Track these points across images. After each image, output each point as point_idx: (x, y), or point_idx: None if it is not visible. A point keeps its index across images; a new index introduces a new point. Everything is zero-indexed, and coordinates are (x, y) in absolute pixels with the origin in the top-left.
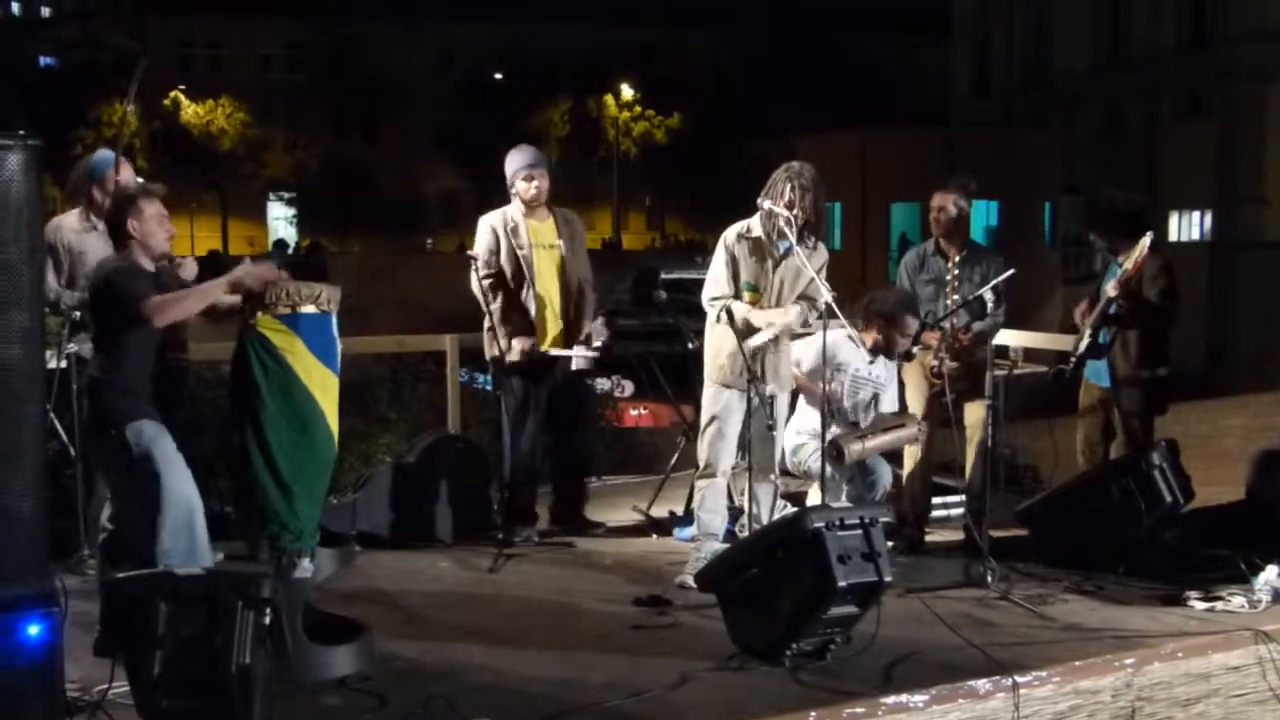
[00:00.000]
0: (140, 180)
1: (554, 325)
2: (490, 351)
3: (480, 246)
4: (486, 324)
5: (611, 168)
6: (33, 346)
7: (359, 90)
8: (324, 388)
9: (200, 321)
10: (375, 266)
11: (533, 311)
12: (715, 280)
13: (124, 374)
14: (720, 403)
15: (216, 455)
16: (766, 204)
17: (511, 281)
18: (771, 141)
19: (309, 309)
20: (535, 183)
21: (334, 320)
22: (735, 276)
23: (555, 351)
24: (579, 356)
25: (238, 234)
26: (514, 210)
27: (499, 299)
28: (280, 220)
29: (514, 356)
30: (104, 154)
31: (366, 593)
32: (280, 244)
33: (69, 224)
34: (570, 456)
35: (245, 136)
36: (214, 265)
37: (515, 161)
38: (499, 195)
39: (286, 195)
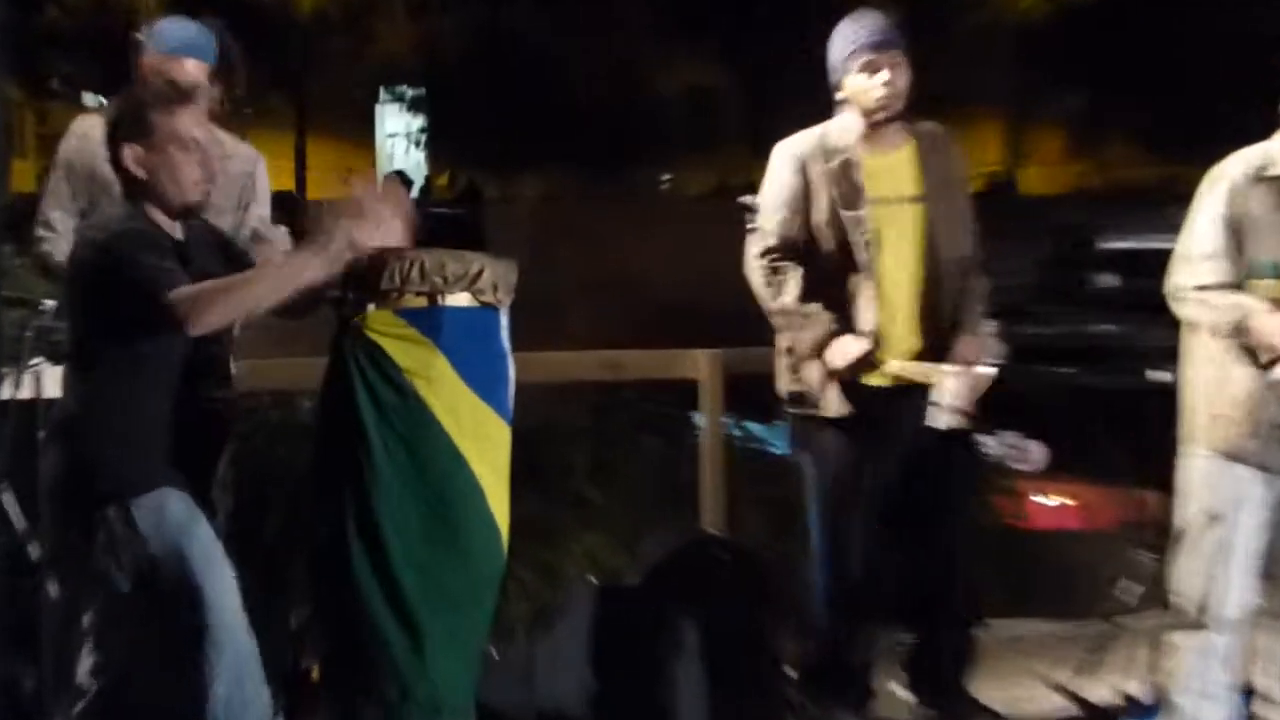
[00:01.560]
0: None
1: (906, 336)
2: (787, 385)
3: (771, 198)
4: (781, 340)
5: (991, 45)
6: None
7: None
8: (484, 442)
9: (261, 322)
10: (565, 222)
11: (869, 315)
12: (1200, 254)
13: (127, 414)
14: (1220, 488)
15: (286, 559)
16: None
17: (828, 261)
18: None
19: (459, 299)
20: (888, 76)
21: (504, 321)
22: (1239, 248)
23: (909, 371)
24: (952, 394)
25: (324, 162)
26: (839, 132)
27: (796, 291)
28: (398, 139)
29: (837, 367)
30: (177, 27)
31: None
32: (398, 182)
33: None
34: (937, 582)
35: None
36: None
37: (848, 38)
38: (802, 106)
39: (409, 95)
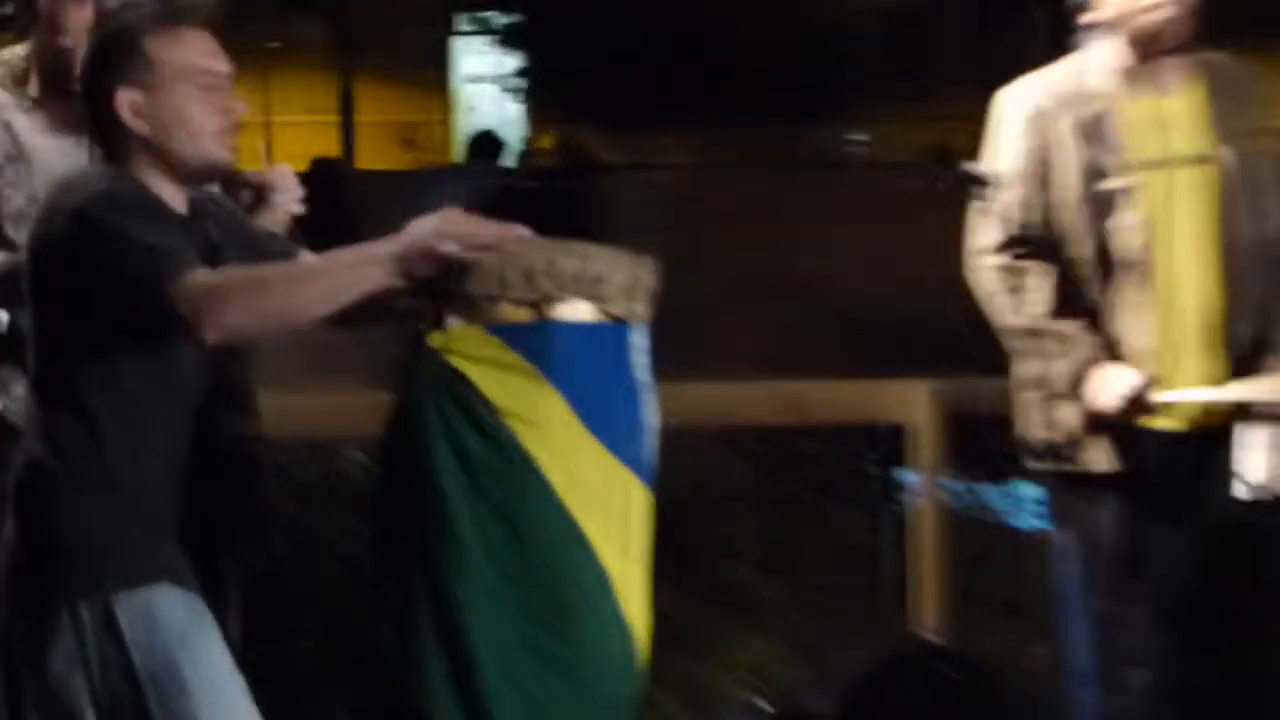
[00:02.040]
0: None
1: (1197, 359)
2: (1036, 432)
3: (1002, 168)
4: (1025, 368)
5: None
6: None
7: None
8: (611, 512)
9: (297, 337)
10: (717, 200)
11: (1143, 331)
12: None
13: (111, 463)
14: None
15: (330, 679)
16: None
17: (1083, 256)
18: None
19: (577, 310)
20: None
21: (639, 341)
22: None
23: (1210, 396)
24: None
25: (380, 118)
26: (1091, 71)
27: (1044, 301)
28: (482, 86)
29: (1103, 407)
30: None
31: None
32: (485, 143)
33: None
34: (1257, 713)
35: None
36: (327, 191)
37: None
38: (1054, 30)
39: (498, 23)
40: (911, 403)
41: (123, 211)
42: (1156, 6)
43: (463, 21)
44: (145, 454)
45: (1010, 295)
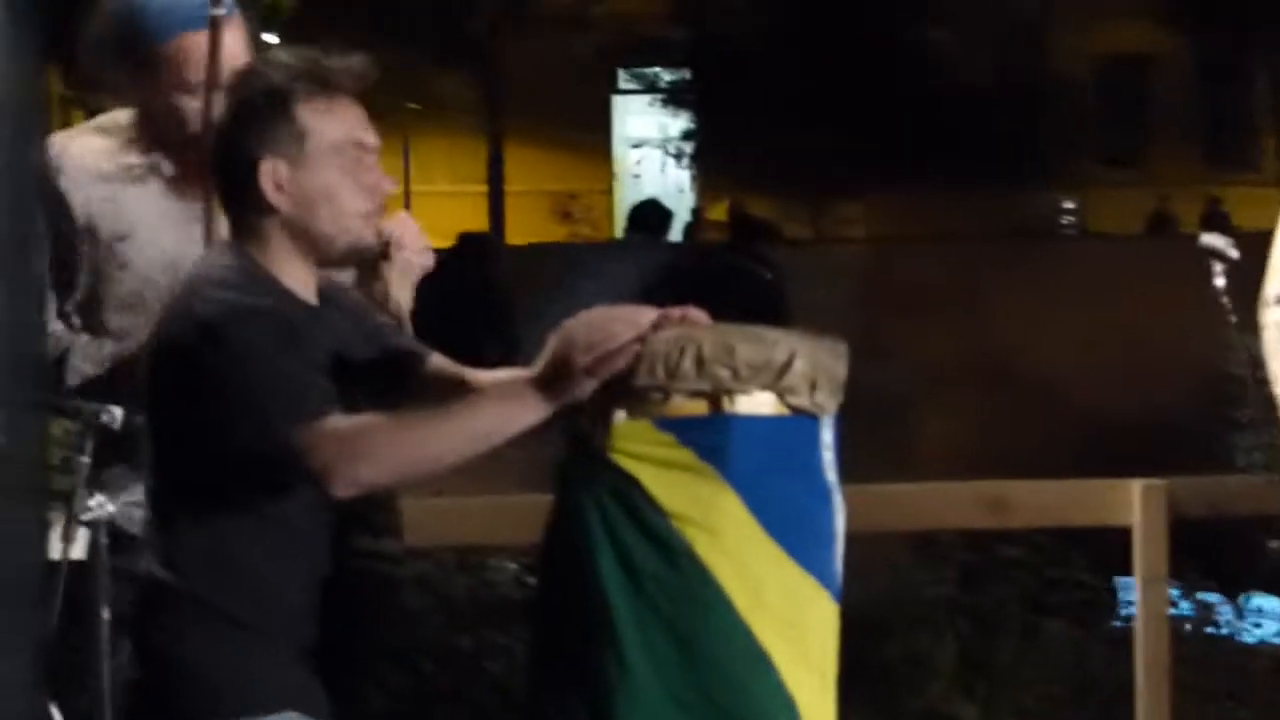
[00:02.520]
0: (285, 51)
1: None
2: None
3: None
4: None
5: None
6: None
7: None
8: (798, 630)
9: None
10: (913, 278)
11: None
12: None
13: (235, 588)
14: None
15: None
16: None
17: None
18: None
19: (758, 402)
20: None
21: (827, 437)
22: None
23: None
24: None
25: (532, 186)
26: None
27: None
28: (648, 149)
29: None
30: None
31: None
32: (650, 214)
33: (88, 156)
34: None
35: None
36: (475, 270)
37: None
38: None
39: (665, 81)
40: (1123, 504)
41: (256, 329)
42: None
43: (625, 78)
44: (276, 580)
45: None
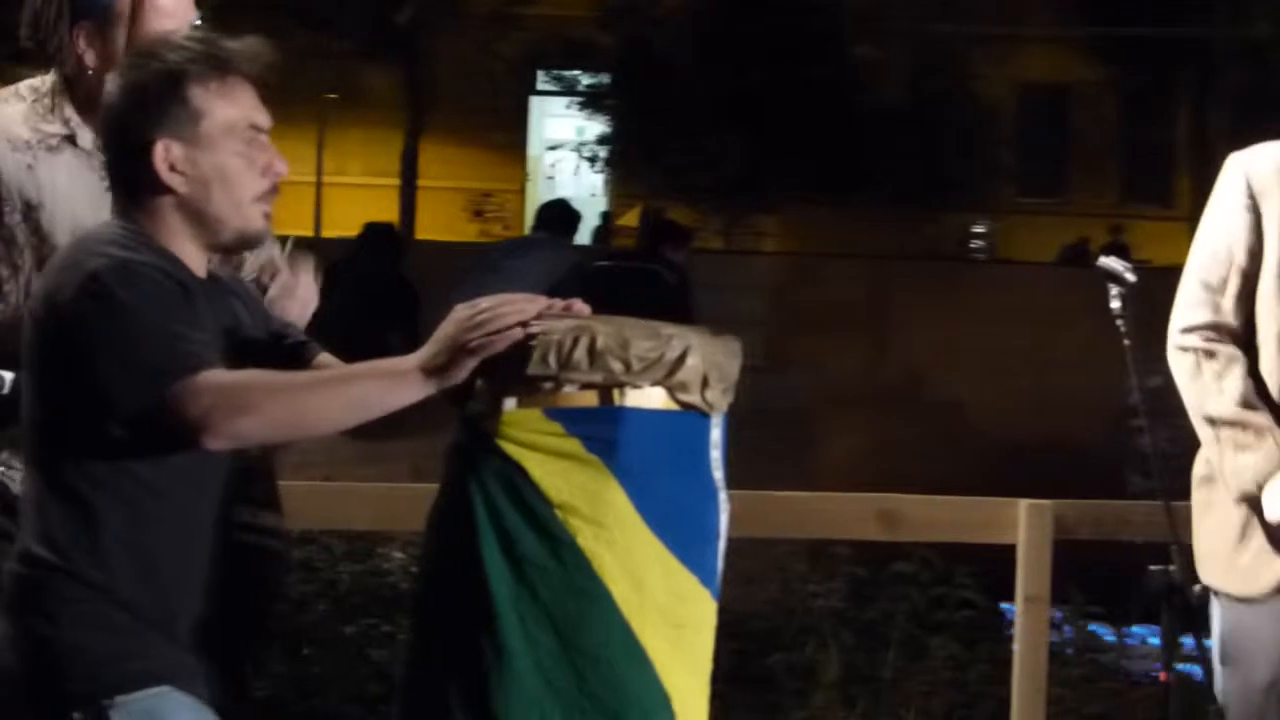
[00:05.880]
0: (199, 25)
1: None
2: (1202, 540)
3: (1209, 241)
4: (1198, 468)
5: None
6: None
7: None
8: (681, 629)
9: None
10: (821, 289)
11: None
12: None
13: (113, 559)
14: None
15: None
16: None
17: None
18: None
19: (649, 397)
20: None
21: (717, 436)
22: None
23: None
24: None
25: (447, 183)
26: None
27: (1238, 391)
28: (562, 151)
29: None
30: None
31: None
32: (557, 214)
33: (5, 122)
34: None
35: None
36: (378, 262)
37: None
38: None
39: (582, 83)
40: (1009, 522)
41: (142, 287)
42: None
43: (545, 80)
44: (153, 554)
45: (1206, 381)
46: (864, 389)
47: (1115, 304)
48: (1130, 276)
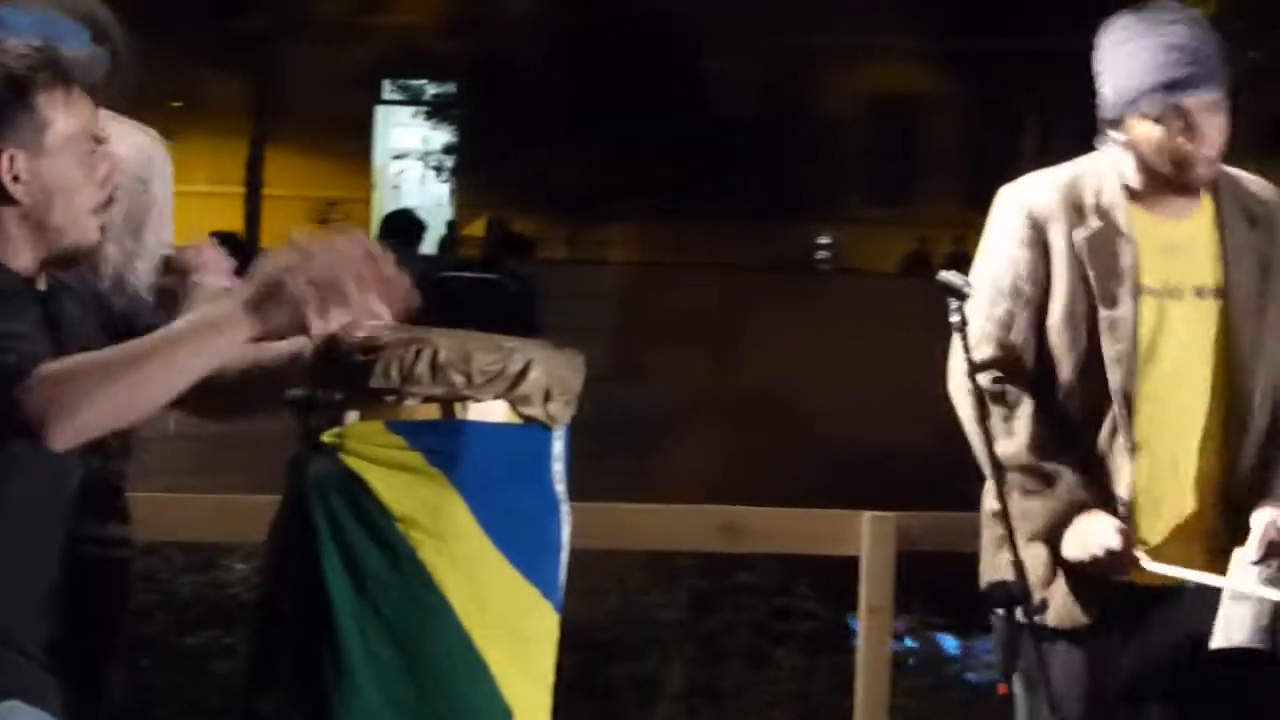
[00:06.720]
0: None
1: (1183, 509)
2: (992, 571)
3: (990, 277)
4: (987, 501)
5: None
6: None
7: None
8: (521, 643)
9: (174, 428)
10: (666, 301)
11: (1126, 476)
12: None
13: None
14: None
15: None
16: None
17: (1071, 386)
18: None
19: (490, 410)
20: (1209, 121)
21: (559, 449)
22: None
23: (1189, 577)
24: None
25: (292, 191)
26: (1102, 177)
27: (1027, 433)
28: (407, 161)
29: (1077, 559)
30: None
31: None
32: (401, 223)
33: None
34: None
35: None
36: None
37: (1145, 66)
38: (1062, 130)
39: (428, 93)
40: (852, 534)
41: None
42: (1183, 153)
43: (391, 89)
44: None
45: (990, 422)
46: (710, 400)
47: (955, 318)
48: (969, 290)
